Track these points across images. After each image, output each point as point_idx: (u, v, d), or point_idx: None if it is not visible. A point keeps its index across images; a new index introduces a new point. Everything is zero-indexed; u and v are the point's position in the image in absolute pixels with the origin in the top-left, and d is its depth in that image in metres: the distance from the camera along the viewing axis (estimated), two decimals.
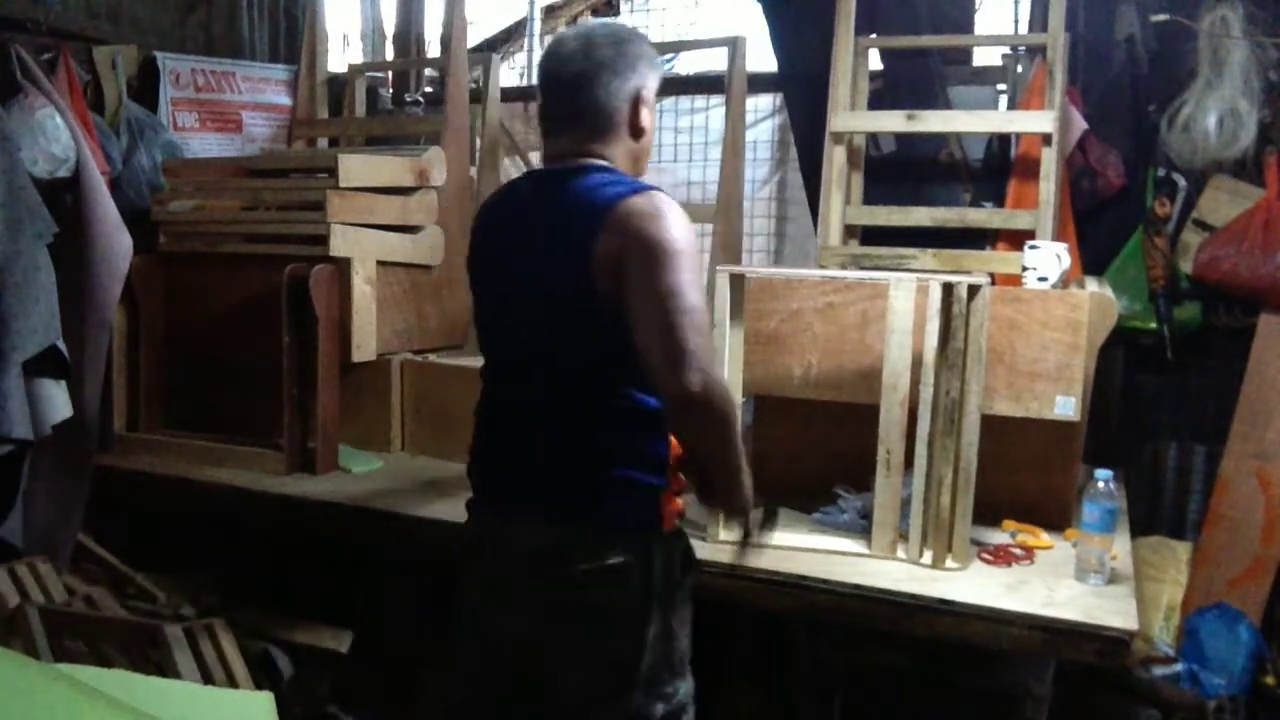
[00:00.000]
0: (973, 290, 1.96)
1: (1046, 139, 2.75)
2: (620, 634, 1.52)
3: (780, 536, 2.18)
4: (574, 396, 1.54)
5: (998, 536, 2.23)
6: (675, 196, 3.67)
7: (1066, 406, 2.18)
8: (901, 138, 3.14)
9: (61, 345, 2.44)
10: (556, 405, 1.55)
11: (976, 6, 3.32)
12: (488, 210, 1.71)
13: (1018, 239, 2.75)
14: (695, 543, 2.10)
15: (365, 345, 2.86)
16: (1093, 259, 3.00)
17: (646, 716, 1.54)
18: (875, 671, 2.32)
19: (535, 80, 1.60)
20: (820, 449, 2.46)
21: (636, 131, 1.58)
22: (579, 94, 1.54)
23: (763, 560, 2.04)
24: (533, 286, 1.55)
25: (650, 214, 1.44)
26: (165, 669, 2.06)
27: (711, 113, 3.57)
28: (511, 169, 3.88)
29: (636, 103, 1.57)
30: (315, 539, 2.66)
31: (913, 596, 1.88)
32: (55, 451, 2.53)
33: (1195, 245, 2.89)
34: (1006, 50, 3.20)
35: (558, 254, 1.49)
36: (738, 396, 2.16)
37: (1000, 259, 2.85)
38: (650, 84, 1.58)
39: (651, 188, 1.51)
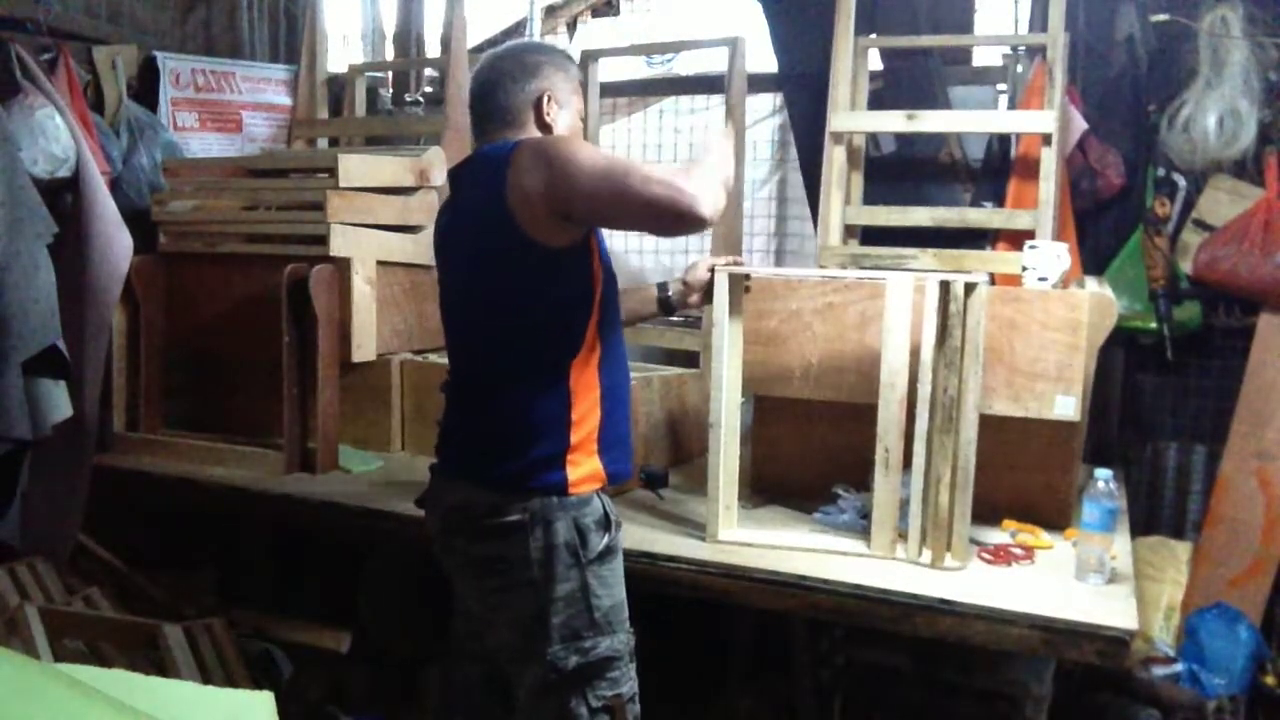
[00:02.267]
0: (969, 288, 1.96)
1: (1046, 139, 2.75)
2: (522, 588, 1.65)
3: (780, 536, 2.17)
4: (492, 363, 1.72)
5: (998, 536, 2.23)
6: None
7: (1066, 406, 2.18)
8: (901, 138, 3.14)
9: (61, 345, 2.44)
10: (477, 372, 1.76)
11: (976, 7, 3.32)
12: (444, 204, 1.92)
13: (1018, 239, 2.75)
14: (693, 542, 2.11)
15: (365, 345, 2.86)
16: (1093, 259, 3.00)
17: (560, 667, 1.64)
18: (875, 671, 2.32)
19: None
20: (820, 449, 2.46)
21: (543, 126, 1.78)
22: (487, 100, 1.78)
23: (763, 560, 2.04)
24: (462, 254, 1.75)
25: (537, 143, 1.64)
26: (165, 669, 2.06)
27: (711, 113, 3.57)
28: None
29: (540, 101, 1.77)
30: (315, 539, 2.66)
31: (913, 596, 1.88)
32: (55, 451, 2.53)
33: (1195, 245, 2.90)
34: (1006, 50, 3.20)
35: (478, 216, 1.69)
36: (737, 395, 2.16)
37: (1000, 259, 2.85)
38: (557, 84, 1.78)
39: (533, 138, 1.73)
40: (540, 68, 1.78)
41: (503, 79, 1.77)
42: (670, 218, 1.53)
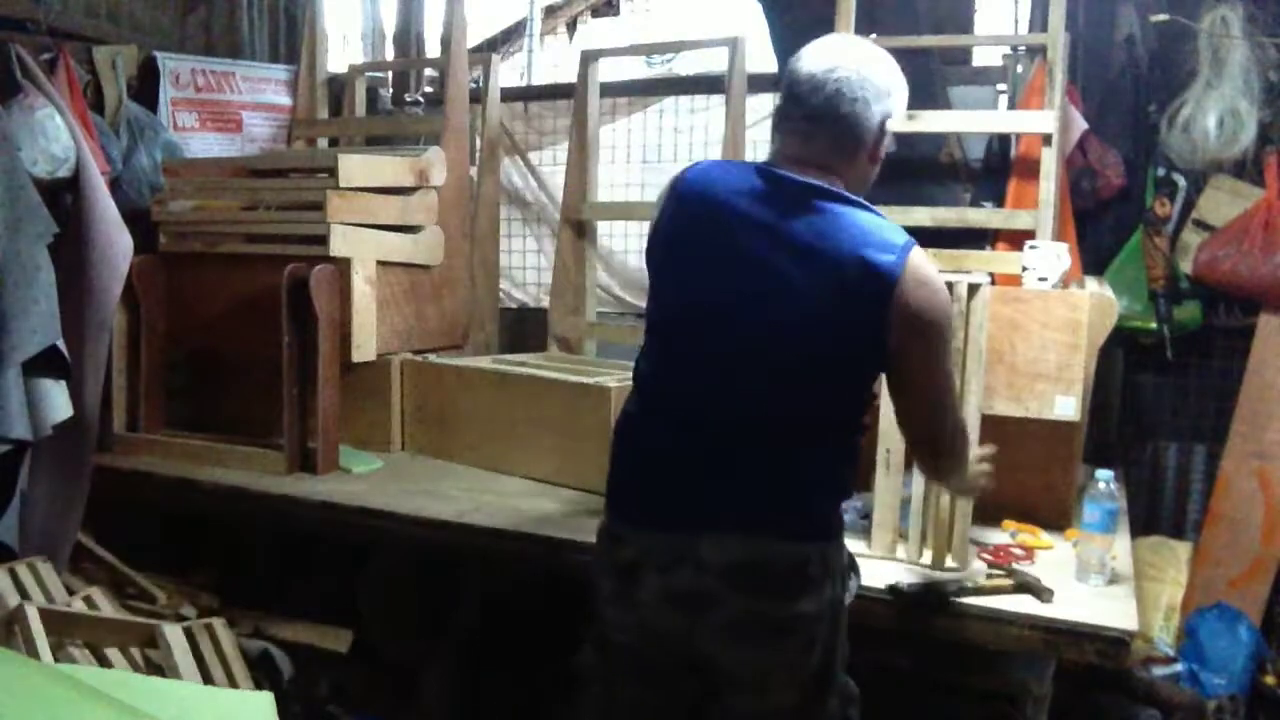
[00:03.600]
0: (972, 289, 1.96)
1: (1046, 139, 2.75)
2: (814, 643, 1.54)
3: None
4: (798, 416, 1.54)
5: (998, 536, 2.23)
6: None
7: (1066, 406, 2.18)
8: (901, 138, 3.13)
9: (61, 345, 2.44)
10: (767, 420, 1.54)
11: (976, 6, 3.32)
12: (703, 187, 1.59)
13: (1018, 239, 2.75)
14: None
15: (365, 345, 2.86)
16: (1093, 259, 3.00)
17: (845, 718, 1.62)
18: (875, 671, 2.31)
19: (786, 75, 1.57)
20: None
21: (874, 158, 1.61)
22: (833, 105, 1.52)
23: None
24: (797, 300, 1.50)
25: (930, 288, 1.52)
26: (165, 669, 2.06)
27: (711, 113, 3.57)
28: (512, 169, 3.89)
29: (881, 129, 1.58)
30: (315, 539, 2.66)
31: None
32: (55, 451, 2.53)
33: (1195, 245, 2.90)
34: (1006, 50, 3.20)
35: (830, 298, 1.48)
36: None
37: (1000, 259, 2.85)
38: (897, 113, 1.59)
39: (911, 244, 1.54)
40: (893, 88, 1.57)
41: (857, 88, 1.52)
42: (929, 452, 1.68)
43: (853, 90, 1.51)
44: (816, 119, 1.53)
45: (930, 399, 1.57)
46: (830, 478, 1.57)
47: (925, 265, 1.53)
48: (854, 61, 1.53)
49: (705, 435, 1.53)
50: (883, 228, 1.55)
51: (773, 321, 1.50)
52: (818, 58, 1.55)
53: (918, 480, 2.03)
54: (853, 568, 1.67)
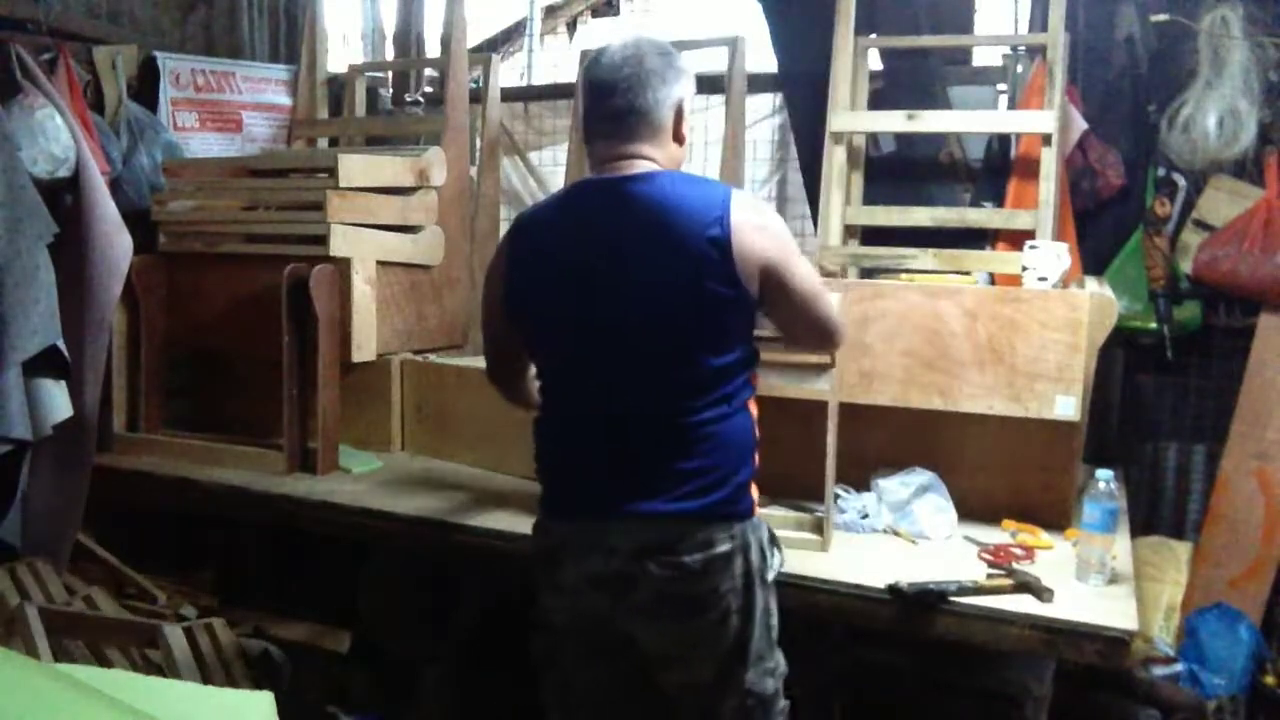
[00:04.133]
0: None
1: (1046, 139, 2.75)
2: (728, 617, 1.61)
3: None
4: (689, 395, 1.61)
5: (998, 536, 2.23)
6: None
7: (1066, 406, 2.18)
8: (901, 138, 3.14)
9: (61, 345, 2.44)
10: (665, 404, 1.61)
11: (976, 6, 3.31)
12: (542, 224, 1.71)
13: (1018, 239, 2.75)
14: None
15: (365, 345, 2.86)
16: (1093, 259, 2.99)
17: (760, 692, 1.65)
18: (875, 671, 2.32)
19: (581, 87, 1.66)
20: (820, 449, 2.46)
21: (679, 138, 1.69)
22: (631, 99, 1.61)
23: None
24: (651, 288, 1.57)
25: (760, 215, 1.62)
26: (165, 669, 2.06)
27: (711, 113, 3.57)
28: (511, 169, 3.88)
29: (679, 112, 1.67)
30: (315, 539, 2.66)
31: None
32: (55, 451, 2.53)
33: (1195, 245, 2.89)
34: (1006, 50, 3.19)
35: (684, 254, 1.56)
36: None
37: (1000, 259, 2.85)
38: (689, 95, 1.70)
39: (727, 198, 1.60)
40: (682, 74, 1.67)
41: (651, 79, 1.62)
42: (828, 345, 1.86)
43: (644, 83, 1.62)
44: (620, 116, 1.63)
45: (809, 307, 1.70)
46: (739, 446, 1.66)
47: (746, 208, 1.60)
48: (638, 59, 1.63)
49: (602, 427, 1.64)
50: (700, 180, 1.67)
51: (633, 299, 1.60)
52: (608, 63, 1.65)
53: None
54: (774, 543, 1.71)
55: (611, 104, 1.62)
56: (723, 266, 1.54)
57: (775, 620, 1.69)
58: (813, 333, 1.75)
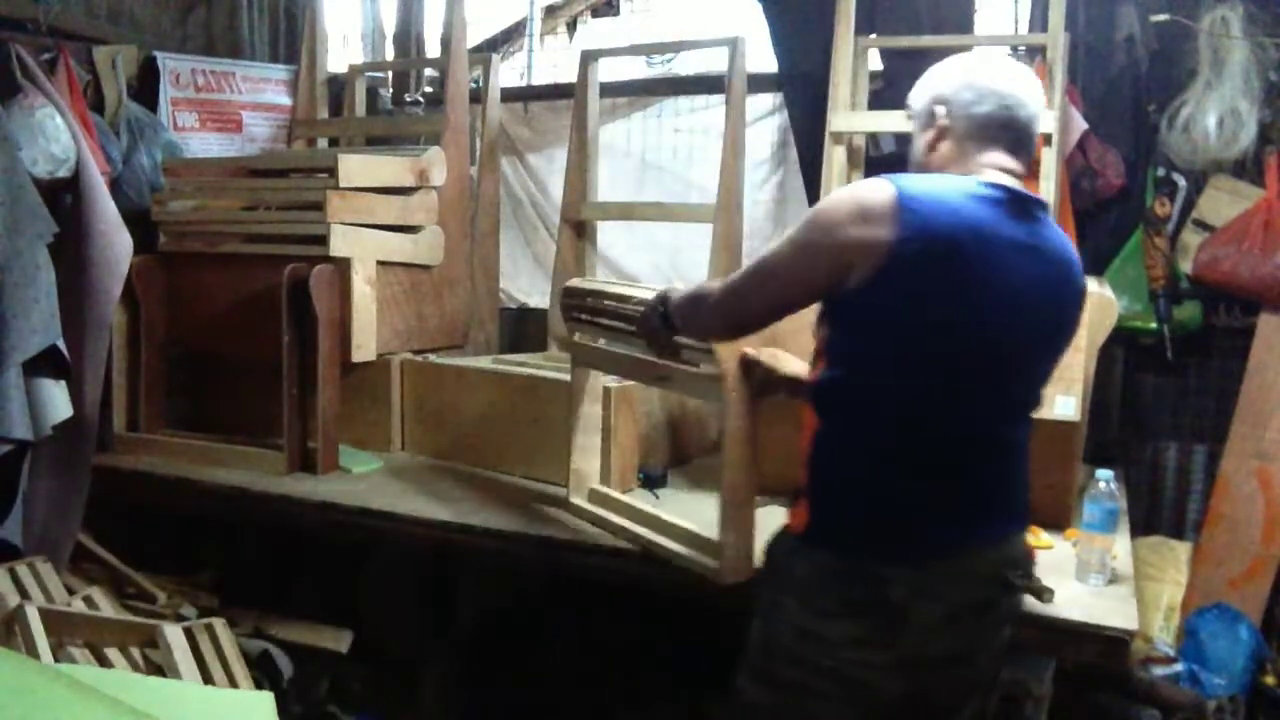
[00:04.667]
0: None
1: (1046, 139, 2.75)
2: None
3: None
4: (1026, 418, 1.57)
5: None
6: (675, 196, 3.64)
7: (1066, 406, 2.18)
8: (901, 138, 3.14)
9: (61, 345, 2.44)
10: (1015, 425, 1.56)
11: (976, 6, 3.31)
12: (986, 232, 1.42)
13: None
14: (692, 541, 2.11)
15: (365, 345, 2.86)
16: (1093, 259, 2.99)
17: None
18: None
19: (990, 98, 1.53)
20: None
21: (930, 146, 1.58)
22: (1035, 121, 1.55)
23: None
24: (1048, 316, 1.51)
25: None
26: (165, 669, 2.06)
27: (711, 113, 3.57)
28: (510, 169, 3.88)
29: (929, 116, 1.59)
30: (315, 539, 2.66)
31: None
32: (55, 451, 2.53)
33: (1195, 245, 2.89)
34: (1006, 50, 3.19)
35: (1069, 292, 1.54)
36: None
37: None
38: (938, 101, 1.59)
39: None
40: (930, 83, 1.60)
41: (1041, 108, 1.57)
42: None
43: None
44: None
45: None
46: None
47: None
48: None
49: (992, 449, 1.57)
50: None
51: (1038, 328, 1.56)
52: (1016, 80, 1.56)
53: None
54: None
55: (1023, 124, 1.53)
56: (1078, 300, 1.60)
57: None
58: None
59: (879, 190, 1.40)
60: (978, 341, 1.43)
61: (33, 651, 1.97)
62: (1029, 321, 1.46)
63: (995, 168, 1.51)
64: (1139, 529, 2.90)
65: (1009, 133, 1.52)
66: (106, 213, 2.66)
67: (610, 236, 3.70)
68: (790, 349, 2.33)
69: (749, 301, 1.59)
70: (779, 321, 1.63)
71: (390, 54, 4.18)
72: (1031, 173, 1.64)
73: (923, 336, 1.42)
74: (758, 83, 3.32)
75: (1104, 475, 1.98)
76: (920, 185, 1.42)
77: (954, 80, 1.56)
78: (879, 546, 1.46)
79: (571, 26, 6.48)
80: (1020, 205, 1.47)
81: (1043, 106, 1.61)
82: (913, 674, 1.47)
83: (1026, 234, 1.46)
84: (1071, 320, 1.57)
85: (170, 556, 2.78)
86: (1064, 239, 1.55)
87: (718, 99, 3.44)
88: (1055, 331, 1.55)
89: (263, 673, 2.32)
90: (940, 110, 1.55)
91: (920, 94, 1.61)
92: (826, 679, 1.46)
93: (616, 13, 6.37)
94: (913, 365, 1.44)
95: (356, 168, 2.84)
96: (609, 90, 3.57)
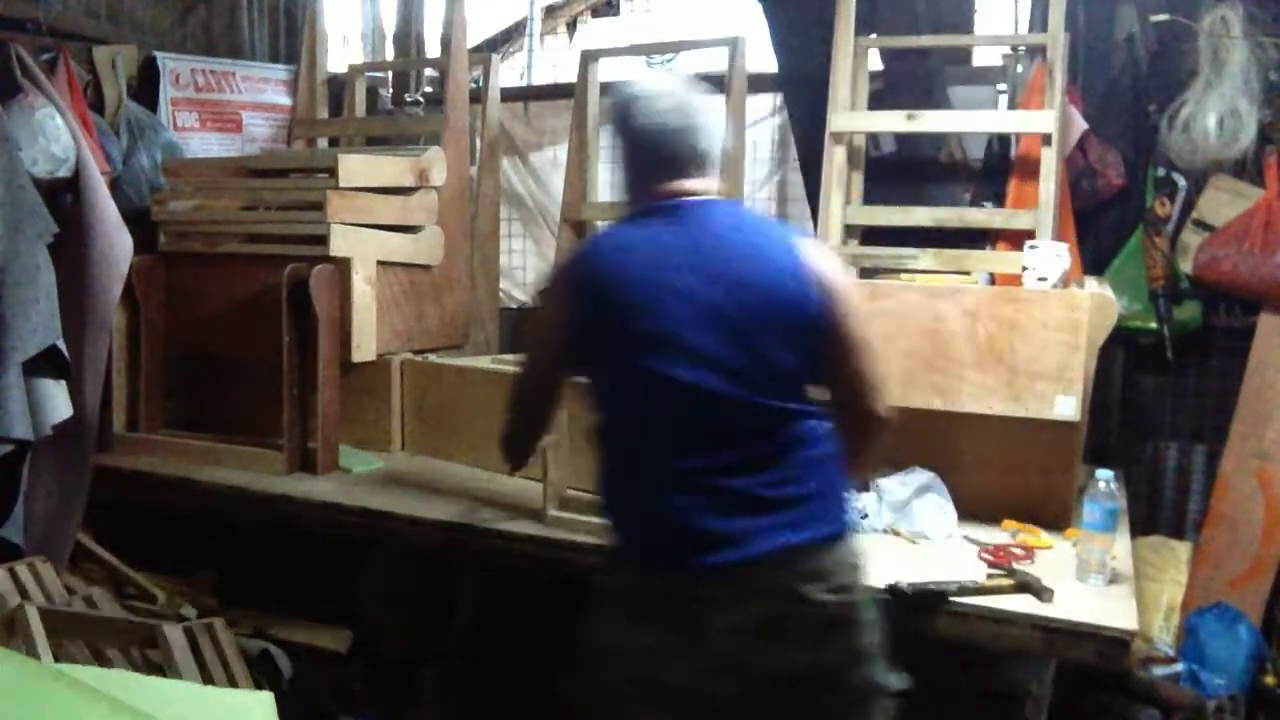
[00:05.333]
0: None
1: (1046, 139, 2.75)
2: (864, 631, 1.60)
3: None
4: (793, 424, 1.56)
5: (998, 536, 2.23)
6: None
7: (1066, 406, 2.18)
8: (901, 138, 3.14)
9: (61, 345, 2.44)
10: (774, 431, 1.56)
11: (976, 6, 3.31)
12: (618, 250, 1.60)
13: (1018, 239, 2.75)
14: None
15: (365, 345, 2.86)
16: (1093, 259, 3.00)
17: (889, 689, 1.60)
18: None
19: (630, 129, 1.64)
20: None
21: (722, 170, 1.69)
22: (699, 140, 1.61)
23: None
24: (745, 313, 1.53)
25: (835, 275, 1.60)
26: (165, 669, 2.06)
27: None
28: (511, 169, 3.88)
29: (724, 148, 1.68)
30: (315, 539, 2.66)
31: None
32: (55, 451, 2.53)
33: (1195, 245, 2.89)
34: (1006, 50, 3.20)
35: (779, 284, 1.54)
36: None
37: (1000, 259, 2.85)
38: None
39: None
40: (719, 109, 1.70)
41: (711, 124, 1.63)
42: (873, 394, 1.65)
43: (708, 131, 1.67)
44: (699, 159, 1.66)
45: (863, 361, 1.66)
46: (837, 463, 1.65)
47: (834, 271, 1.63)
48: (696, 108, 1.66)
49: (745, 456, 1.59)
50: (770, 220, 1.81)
51: (734, 326, 1.58)
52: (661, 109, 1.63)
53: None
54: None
55: (681, 148, 1.60)
56: (807, 294, 1.56)
57: None
58: (862, 384, 1.69)
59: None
60: (647, 360, 1.52)
61: (33, 651, 1.96)
62: (707, 323, 1.51)
63: (657, 195, 1.61)
64: (1139, 529, 2.90)
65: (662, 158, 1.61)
66: (106, 213, 2.66)
67: None
68: None
69: None
70: None
71: (390, 54, 4.18)
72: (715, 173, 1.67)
73: (596, 369, 1.61)
74: (758, 83, 3.32)
75: (1104, 475, 1.98)
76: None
77: (612, 124, 1.70)
78: (657, 563, 1.55)
79: (571, 26, 6.48)
80: (672, 215, 1.58)
81: (690, 103, 1.62)
82: (710, 684, 1.50)
83: (682, 240, 1.55)
84: (777, 300, 1.53)
85: (170, 556, 2.78)
86: (757, 235, 1.59)
87: (718, 99, 3.44)
88: (753, 317, 1.52)
89: (262, 673, 2.32)
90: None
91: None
92: (634, 687, 1.53)
93: (616, 13, 6.36)
94: (609, 390, 1.62)
95: (356, 168, 2.84)
96: (609, 90, 3.57)
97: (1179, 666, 2.64)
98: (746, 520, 1.51)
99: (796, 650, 1.51)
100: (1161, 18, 2.89)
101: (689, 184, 1.60)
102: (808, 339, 1.55)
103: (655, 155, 1.61)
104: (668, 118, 1.59)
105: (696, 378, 1.51)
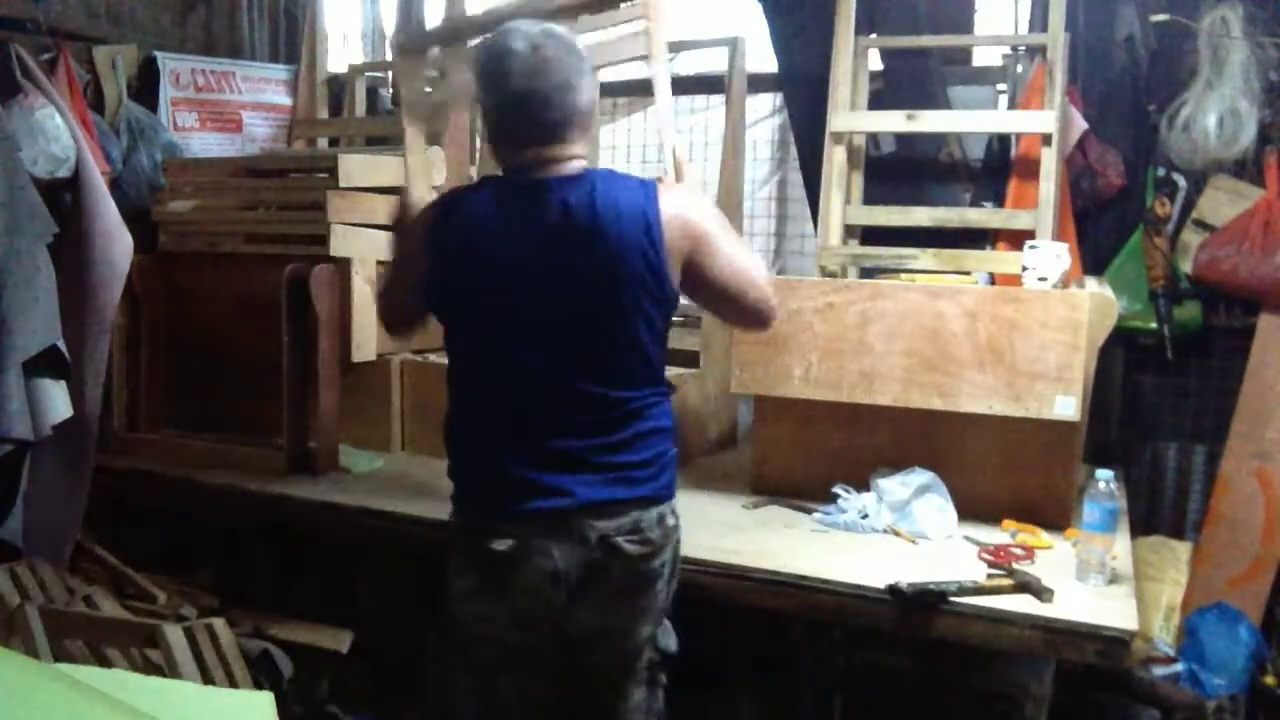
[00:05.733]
0: None
1: (1046, 139, 2.75)
2: (664, 587, 1.73)
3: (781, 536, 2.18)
4: (626, 385, 1.66)
5: (998, 536, 2.23)
6: None
7: (1066, 406, 2.18)
8: (901, 138, 3.14)
9: (61, 345, 2.43)
10: (606, 393, 1.65)
11: (976, 6, 3.31)
12: (480, 212, 1.67)
13: (1018, 239, 2.75)
14: (693, 542, 2.12)
15: (365, 345, 2.86)
16: (1093, 259, 3.00)
17: (669, 651, 1.78)
18: (875, 671, 2.32)
19: (493, 92, 1.64)
20: (820, 449, 2.46)
21: (592, 128, 1.76)
22: (566, 103, 1.61)
23: (763, 560, 2.04)
24: (579, 279, 1.61)
25: (690, 205, 1.68)
26: (165, 669, 2.06)
27: (711, 113, 3.57)
28: None
29: (594, 104, 1.72)
30: (315, 539, 2.66)
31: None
32: (55, 451, 2.53)
33: (1195, 245, 2.89)
34: (1006, 50, 3.20)
35: (625, 252, 1.60)
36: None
37: (1000, 259, 2.85)
38: (596, 82, 1.72)
39: (653, 182, 1.68)
40: (590, 67, 1.66)
41: (578, 78, 1.61)
42: (763, 326, 1.79)
43: (572, 88, 1.65)
44: (554, 124, 1.66)
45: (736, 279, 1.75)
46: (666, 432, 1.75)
47: (672, 201, 1.69)
48: (558, 63, 1.64)
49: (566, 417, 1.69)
50: (632, 179, 1.74)
51: (566, 294, 1.65)
52: (523, 70, 1.62)
53: None
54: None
55: (546, 116, 1.61)
56: (656, 264, 1.61)
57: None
58: (752, 317, 1.77)
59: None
60: (485, 310, 1.64)
61: (33, 651, 1.97)
62: (531, 286, 1.61)
63: (516, 163, 1.66)
64: (1139, 529, 2.90)
65: (519, 125, 1.63)
66: (107, 213, 2.66)
67: None
68: (790, 348, 2.35)
69: None
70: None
71: (390, 54, 4.17)
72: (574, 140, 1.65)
73: (448, 324, 1.71)
74: (758, 83, 3.32)
75: (1104, 475, 1.98)
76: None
77: (475, 82, 1.67)
78: (482, 506, 1.68)
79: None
80: (529, 186, 1.62)
81: (554, 62, 1.59)
82: (529, 625, 1.66)
83: (535, 217, 1.61)
84: (626, 273, 1.59)
85: (170, 556, 2.77)
86: (612, 204, 1.60)
87: (718, 99, 3.44)
88: (573, 290, 1.60)
89: (263, 673, 2.32)
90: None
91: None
92: (461, 630, 1.70)
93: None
94: (451, 340, 1.72)
95: (356, 168, 2.84)
96: (609, 90, 3.57)
97: (1179, 666, 2.64)
98: (572, 476, 1.62)
99: (602, 597, 1.65)
100: (1161, 18, 2.89)
101: (547, 151, 1.62)
102: (662, 301, 1.64)
103: (520, 120, 1.63)
104: (528, 81, 1.59)
105: (533, 359, 1.62)
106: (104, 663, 2.09)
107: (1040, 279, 2.33)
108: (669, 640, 1.78)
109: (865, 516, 2.27)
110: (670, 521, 1.70)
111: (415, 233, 1.74)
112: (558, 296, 1.61)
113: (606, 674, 1.74)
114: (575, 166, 1.64)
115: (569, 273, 1.60)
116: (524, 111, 1.61)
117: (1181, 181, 2.93)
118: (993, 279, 2.81)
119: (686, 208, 1.65)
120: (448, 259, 1.67)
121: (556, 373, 1.62)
